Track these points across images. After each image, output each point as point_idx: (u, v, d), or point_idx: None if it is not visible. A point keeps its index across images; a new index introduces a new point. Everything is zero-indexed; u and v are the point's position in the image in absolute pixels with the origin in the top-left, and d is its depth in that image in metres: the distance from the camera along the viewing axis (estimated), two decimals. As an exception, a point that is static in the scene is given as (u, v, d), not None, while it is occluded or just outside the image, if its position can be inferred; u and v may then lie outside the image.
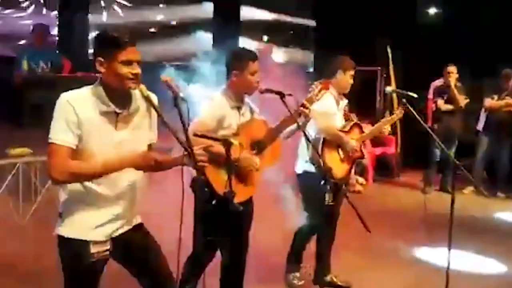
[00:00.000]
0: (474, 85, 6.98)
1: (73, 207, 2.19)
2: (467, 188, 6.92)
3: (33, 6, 8.34)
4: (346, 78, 3.67)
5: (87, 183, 2.16)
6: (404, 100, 3.61)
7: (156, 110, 2.22)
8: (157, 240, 2.41)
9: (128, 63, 2.11)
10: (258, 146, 3.02)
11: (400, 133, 7.93)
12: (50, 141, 2.09)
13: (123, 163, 2.13)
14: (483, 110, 7.04)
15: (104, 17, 8.95)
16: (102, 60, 2.12)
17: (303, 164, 3.66)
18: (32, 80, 6.36)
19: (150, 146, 2.34)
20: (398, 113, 3.86)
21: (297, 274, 3.83)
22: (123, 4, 9.72)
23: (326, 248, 3.82)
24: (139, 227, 2.37)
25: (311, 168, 3.59)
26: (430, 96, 7.15)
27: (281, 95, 2.94)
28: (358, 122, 3.87)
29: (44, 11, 8.02)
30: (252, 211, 3.13)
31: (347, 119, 3.83)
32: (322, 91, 3.13)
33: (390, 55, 8.02)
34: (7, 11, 7.72)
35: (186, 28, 9.72)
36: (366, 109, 7.10)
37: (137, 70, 2.13)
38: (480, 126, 7.09)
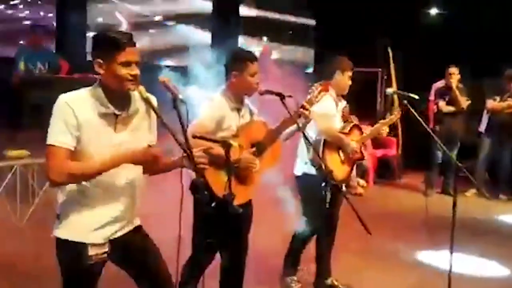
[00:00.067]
0: (474, 86, 6.95)
1: (71, 209, 2.18)
2: (469, 190, 6.89)
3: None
4: (344, 79, 3.66)
5: (85, 185, 2.15)
6: (405, 102, 3.60)
7: (155, 112, 2.21)
8: (156, 242, 2.40)
9: (127, 64, 2.09)
10: (258, 148, 3.00)
11: (402, 135, 7.91)
12: (48, 142, 2.08)
13: (121, 158, 2.11)
14: (485, 111, 7.01)
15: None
16: (101, 61, 2.11)
17: (302, 166, 3.64)
18: (29, 81, 6.36)
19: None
20: (396, 114, 3.86)
21: (295, 277, 3.81)
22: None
23: (326, 251, 3.81)
24: (138, 229, 2.36)
25: (311, 170, 3.57)
26: (432, 97, 7.13)
27: (281, 96, 2.92)
28: (357, 123, 3.86)
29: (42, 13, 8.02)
30: (251, 213, 3.11)
31: (346, 120, 3.82)
32: (322, 92, 3.11)
33: (391, 56, 8.00)
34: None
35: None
36: (367, 111, 7.08)
37: (136, 71, 2.12)
38: (482, 127, 7.07)
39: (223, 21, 8.80)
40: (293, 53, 10.19)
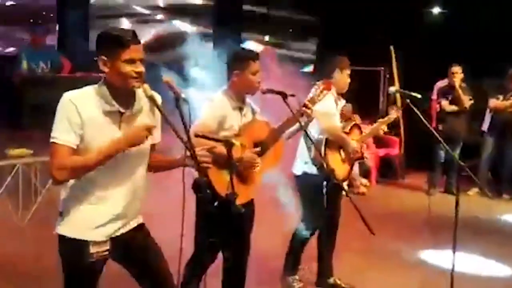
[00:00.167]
0: (474, 85, 6.93)
1: (73, 206, 2.18)
2: (472, 190, 6.87)
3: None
4: (343, 77, 3.66)
5: (87, 183, 2.15)
6: (407, 101, 3.59)
7: (159, 110, 2.20)
8: (158, 241, 2.40)
9: (132, 61, 2.09)
10: (260, 147, 2.99)
11: (404, 134, 7.89)
12: (52, 140, 2.09)
13: (117, 143, 2.10)
14: (488, 110, 6.99)
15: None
16: (106, 59, 2.11)
17: (302, 166, 3.64)
18: (31, 80, 6.36)
19: (153, 147, 2.33)
20: (394, 112, 3.86)
21: (296, 277, 3.81)
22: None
23: (328, 250, 3.81)
24: (140, 227, 2.36)
25: (311, 170, 3.57)
26: (434, 97, 7.11)
27: (284, 95, 2.92)
28: (357, 123, 3.87)
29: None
30: (253, 213, 3.11)
31: (348, 119, 3.82)
32: (324, 91, 3.11)
33: (393, 55, 7.99)
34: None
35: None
36: (369, 110, 7.08)
37: (141, 68, 2.12)
38: (485, 127, 7.04)
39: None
40: (294, 52, 10.19)
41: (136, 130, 2.13)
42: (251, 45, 9.11)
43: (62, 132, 2.07)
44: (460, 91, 6.69)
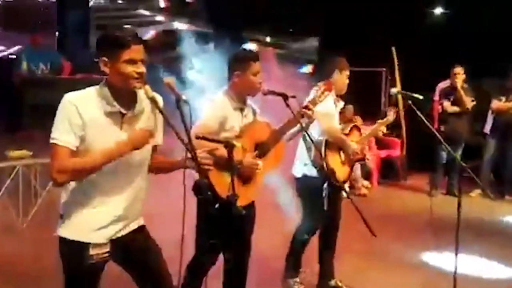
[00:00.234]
0: (474, 86, 6.91)
1: (74, 208, 2.18)
2: (474, 191, 6.84)
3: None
4: (342, 78, 3.65)
5: (88, 186, 2.15)
6: (409, 102, 3.58)
7: (160, 111, 2.19)
8: (159, 243, 2.39)
9: (133, 62, 2.09)
10: (261, 149, 2.99)
11: (406, 136, 7.87)
12: (52, 141, 2.08)
13: (121, 146, 2.09)
14: (490, 112, 6.97)
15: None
16: (106, 60, 2.11)
17: (301, 168, 3.63)
18: (31, 81, 6.36)
19: (155, 148, 2.33)
20: (393, 114, 3.85)
21: (297, 279, 3.80)
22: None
23: (328, 252, 3.80)
24: (140, 229, 2.35)
25: (311, 172, 3.57)
26: (436, 98, 7.09)
27: (285, 97, 2.91)
28: (358, 124, 3.87)
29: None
30: (254, 214, 3.10)
31: (349, 120, 3.82)
32: (326, 92, 3.10)
33: (395, 56, 7.97)
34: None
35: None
36: (371, 111, 7.06)
37: (142, 69, 2.11)
38: (487, 128, 7.02)
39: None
40: (295, 52, 10.19)
41: (139, 133, 2.13)
42: (251, 45, 9.11)
43: (63, 133, 2.06)
44: (462, 92, 6.67)
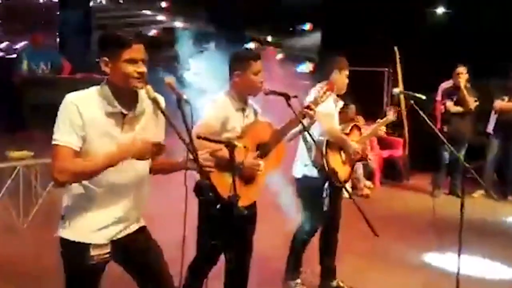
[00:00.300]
0: (476, 86, 6.88)
1: (75, 209, 2.18)
2: (477, 192, 6.82)
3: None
4: (342, 77, 3.64)
5: (90, 188, 2.14)
6: (412, 102, 3.56)
7: (162, 112, 2.18)
8: (160, 244, 2.39)
9: (133, 61, 2.08)
10: (263, 149, 2.97)
11: (408, 136, 7.85)
12: (53, 142, 2.07)
13: (123, 152, 2.08)
14: (493, 112, 6.94)
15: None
16: (107, 59, 2.10)
17: (302, 168, 3.62)
18: (32, 80, 6.36)
19: None
20: (392, 113, 3.84)
21: (298, 280, 3.79)
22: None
23: (329, 253, 3.79)
24: (141, 230, 2.35)
25: (311, 172, 3.56)
26: (439, 98, 7.07)
27: (287, 97, 2.89)
28: (360, 124, 3.86)
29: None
30: (255, 215, 3.09)
31: (351, 119, 3.81)
32: (327, 92, 3.09)
33: (397, 56, 7.95)
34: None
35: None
36: (373, 111, 7.03)
37: (143, 68, 2.11)
38: (490, 128, 6.99)
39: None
40: (294, 52, 10.18)
41: (145, 145, 2.09)
42: (252, 44, 9.11)
43: (64, 134, 2.06)
44: (465, 92, 6.63)
